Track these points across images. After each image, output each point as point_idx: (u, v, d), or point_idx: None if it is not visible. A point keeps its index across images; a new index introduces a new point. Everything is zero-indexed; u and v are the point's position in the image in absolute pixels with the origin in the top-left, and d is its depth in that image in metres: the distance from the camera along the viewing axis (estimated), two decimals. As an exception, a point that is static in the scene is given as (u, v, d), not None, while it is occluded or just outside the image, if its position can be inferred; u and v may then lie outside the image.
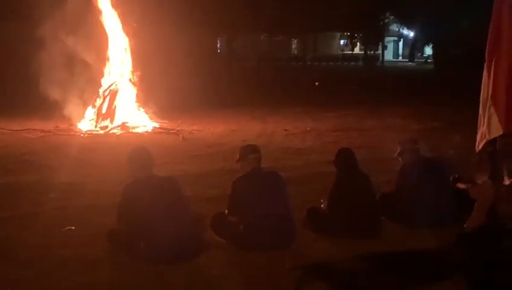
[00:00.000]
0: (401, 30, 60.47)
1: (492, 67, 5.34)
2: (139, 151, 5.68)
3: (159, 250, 5.10)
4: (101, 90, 14.32)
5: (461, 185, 6.59)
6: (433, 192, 6.16)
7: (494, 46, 5.33)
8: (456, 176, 6.60)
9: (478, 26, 25.90)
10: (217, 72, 26.68)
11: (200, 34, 24.49)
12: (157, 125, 13.92)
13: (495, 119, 5.31)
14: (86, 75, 13.70)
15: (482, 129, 5.47)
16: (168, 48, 16.30)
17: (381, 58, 55.61)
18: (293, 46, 60.24)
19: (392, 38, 64.33)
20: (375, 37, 53.63)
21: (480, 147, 5.56)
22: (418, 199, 6.11)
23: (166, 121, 14.34)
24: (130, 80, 14.55)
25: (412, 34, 58.15)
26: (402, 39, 65.76)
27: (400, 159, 6.57)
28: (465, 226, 5.71)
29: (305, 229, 6.05)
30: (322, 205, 6.23)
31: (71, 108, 13.79)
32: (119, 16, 14.28)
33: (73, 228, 6.24)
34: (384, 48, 57.64)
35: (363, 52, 55.06)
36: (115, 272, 5.09)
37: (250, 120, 15.46)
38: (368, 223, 5.90)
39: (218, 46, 43.07)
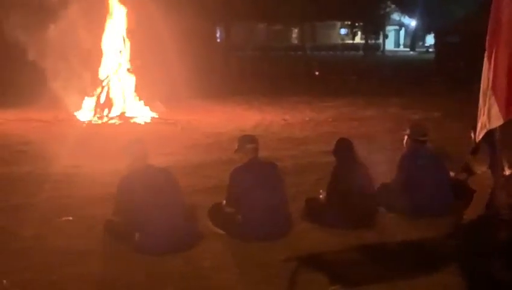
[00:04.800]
0: (402, 19, 60.13)
1: (493, 57, 5.26)
2: (133, 143, 5.70)
3: (154, 241, 5.08)
4: (99, 80, 14.23)
5: (460, 176, 6.56)
6: (432, 183, 6.13)
7: (494, 36, 5.25)
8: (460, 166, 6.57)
9: (472, 15, 25.81)
10: (215, 61, 26.55)
11: (199, 23, 24.32)
12: (155, 115, 13.84)
13: (495, 109, 5.24)
14: (84, 64, 13.60)
15: (482, 119, 5.39)
16: (166, 37, 16.17)
17: (382, 47, 55.34)
18: (293, 36, 59.85)
19: (393, 27, 63.96)
20: (376, 26, 53.29)
21: (480, 137, 5.49)
22: (417, 189, 6.07)
23: (165, 111, 14.25)
24: (129, 69, 14.44)
25: (413, 23, 57.85)
26: (403, 28, 65.39)
27: (404, 140, 6.51)
28: (464, 216, 5.67)
29: (303, 219, 6.01)
30: (321, 196, 6.19)
31: (70, 98, 13.68)
32: (118, 5, 14.18)
33: (70, 218, 6.18)
34: (386, 37, 57.27)
35: (363, 42, 54.73)
36: (108, 263, 5.04)
37: (249, 110, 15.39)
38: (366, 213, 5.87)
39: (217, 35, 42.79)
